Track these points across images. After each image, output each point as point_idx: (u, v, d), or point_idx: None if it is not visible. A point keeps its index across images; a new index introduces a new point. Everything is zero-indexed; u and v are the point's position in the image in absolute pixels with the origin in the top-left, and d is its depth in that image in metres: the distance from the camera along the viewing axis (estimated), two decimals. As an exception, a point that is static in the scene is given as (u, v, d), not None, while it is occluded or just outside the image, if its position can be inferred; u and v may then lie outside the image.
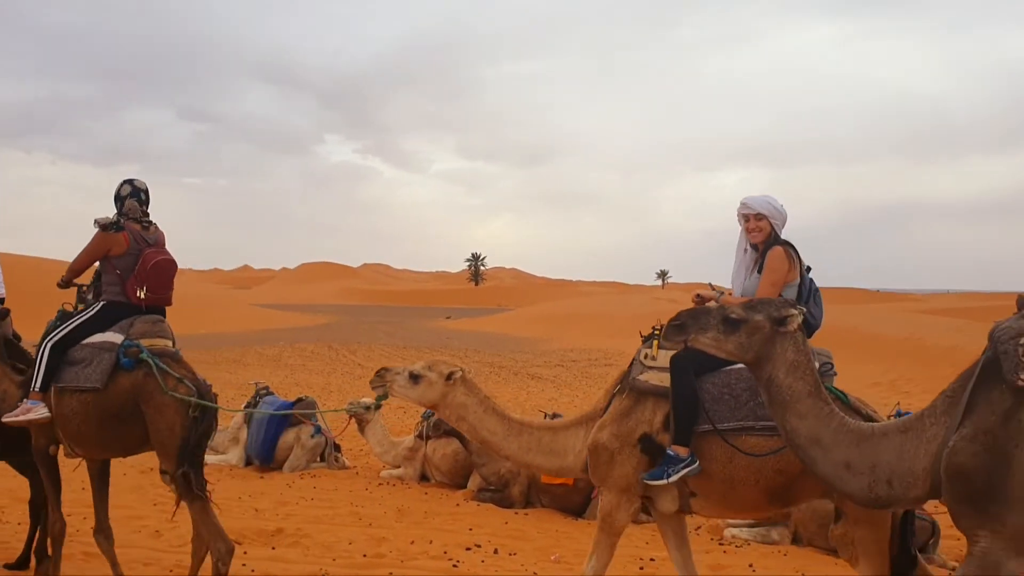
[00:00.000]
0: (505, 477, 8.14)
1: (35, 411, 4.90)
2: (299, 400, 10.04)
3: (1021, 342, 3.01)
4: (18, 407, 4.97)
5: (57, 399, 4.93)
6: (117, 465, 8.51)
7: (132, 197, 5.28)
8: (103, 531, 5.27)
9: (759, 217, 4.64)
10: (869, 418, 4.05)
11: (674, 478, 4.14)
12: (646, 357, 4.41)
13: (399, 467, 9.39)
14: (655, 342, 4.37)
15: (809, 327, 4.37)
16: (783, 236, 4.68)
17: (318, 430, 9.82)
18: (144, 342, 4.92)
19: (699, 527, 7.29)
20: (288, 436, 9.70)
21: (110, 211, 5.32)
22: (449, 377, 4.54)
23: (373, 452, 9.83)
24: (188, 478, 4.74)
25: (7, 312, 5.70)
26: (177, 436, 4.77)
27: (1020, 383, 2.97)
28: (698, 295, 4.59)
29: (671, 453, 4.18)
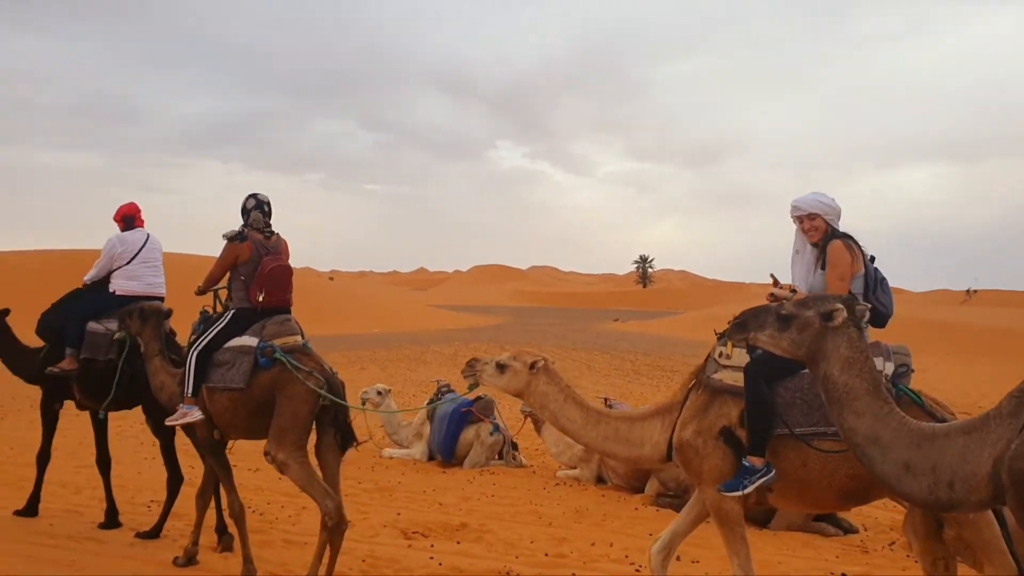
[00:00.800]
0: (684, 483, 7.98)
1: (191, 414, 5.49)
2: (478, 399, 10.26)
3: None
4: (176, 412, 5.57)
5: (208, 397, 5.48)
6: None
7: (256, 209, 5.80)
8: (205, 494, 5.96)
9: (812, 217, 4.71)
10: (943, 422, 3.85)
11: (750, 489, 4.21)
12: (721, 355, 4.47)
13: (575, 468, 9.42)
14: (730, 341, 4.36)
15: (881, 316, 4.56)
16: (841, 229, 4.71)
17: (496, 428, 10.02)
18: (276, 341, 5.41)
19: (893, 543, 6.89)
20: (468, 433, 9.95)
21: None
22: (532, 367, 4.72)
23: (549, 452, 9.91)
24: (342, 440, 5.41)
25: (171, 311, 6.31)
26: (299, 423, 5.26)
27: None
28: (771, 295, 4.61)
29: (747, 464, 4.24)
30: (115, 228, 7.10)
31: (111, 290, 6.88)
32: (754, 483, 4.20)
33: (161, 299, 6.84)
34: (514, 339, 39.23)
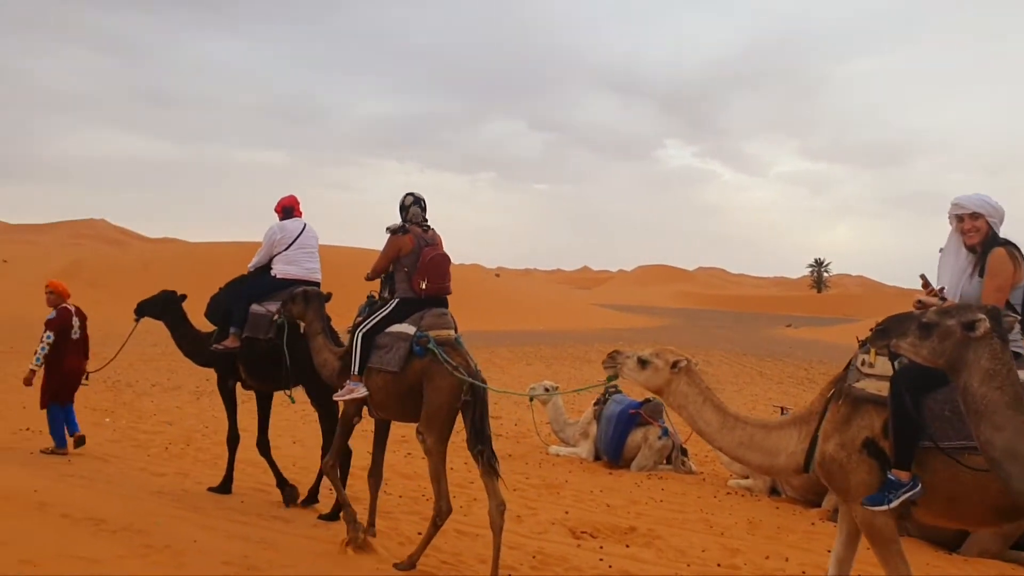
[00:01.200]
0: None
1: (357, 391, 5.83)
2: (646, 401, 10.12)
3: None
4: (343, 388, 5.91)
5: (366, 376, 5.82)
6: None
7: (415, 205, 6.11)
8: (376, 475, 6.22)
9: (975, 216, 4.43)
10: None
11: (895, 503, 4.02)
12: (863, 364, 4.24)
13: (747, 477, 9.12)
14: (873, 349, 4.13)
15: None
16: (1001, 235, 4.43)
17: (665, 432, 9.85)
18: (432, 333, 5.66)
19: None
20: (636, 435, 9.84)
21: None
22: (674, 366, 4.65)
23: (720, 460, 9.65)
24: (484, 455, 5.46)
25: (330, 295, 6.66)
26: (444, 413, 5.55)
27: None
28: (919, 301, 4.32)
29: (892, 478, 4.05)
30: (275, 218, 7.63)
31: (272, 274, 7.42)
32: (899, 497, 4.01)
33: (317, 284, 7.32)
34: (680, 341, 38.52)
